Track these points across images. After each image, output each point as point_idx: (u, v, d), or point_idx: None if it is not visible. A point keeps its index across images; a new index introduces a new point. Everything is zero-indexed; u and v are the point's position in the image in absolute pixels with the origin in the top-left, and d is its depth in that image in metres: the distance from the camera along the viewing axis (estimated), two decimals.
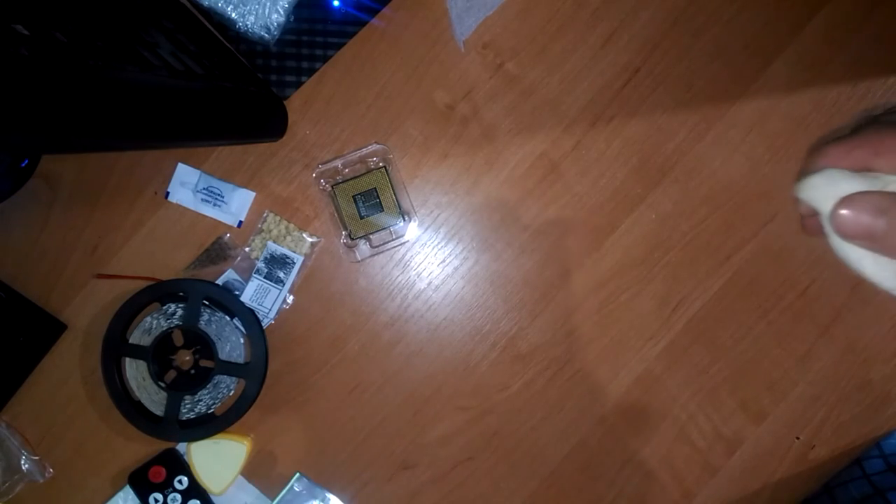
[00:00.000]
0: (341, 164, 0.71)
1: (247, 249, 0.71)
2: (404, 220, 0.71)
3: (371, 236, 0.71)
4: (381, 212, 0.71)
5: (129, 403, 0.68)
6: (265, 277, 0.70)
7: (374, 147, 0.71)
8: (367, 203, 0.70)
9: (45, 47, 0.39)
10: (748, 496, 0.75)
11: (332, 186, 0.70)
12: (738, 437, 0.75)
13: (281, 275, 0.71)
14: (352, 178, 0.70)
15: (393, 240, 0.72)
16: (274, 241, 0.71)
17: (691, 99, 0.73)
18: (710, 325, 0.74)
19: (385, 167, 0.70)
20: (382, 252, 0.72)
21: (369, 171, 0.71)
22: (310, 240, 0.71)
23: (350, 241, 0.71)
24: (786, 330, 0.74)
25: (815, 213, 0.33)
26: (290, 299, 0.72)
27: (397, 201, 0.71)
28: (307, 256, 0.71)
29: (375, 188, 0.70)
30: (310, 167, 0.71)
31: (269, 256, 0.70)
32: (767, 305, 0.74)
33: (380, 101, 0.72)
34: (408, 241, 0.72)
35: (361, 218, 0.70)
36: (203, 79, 0.55)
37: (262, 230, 0.71)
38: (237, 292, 0.70)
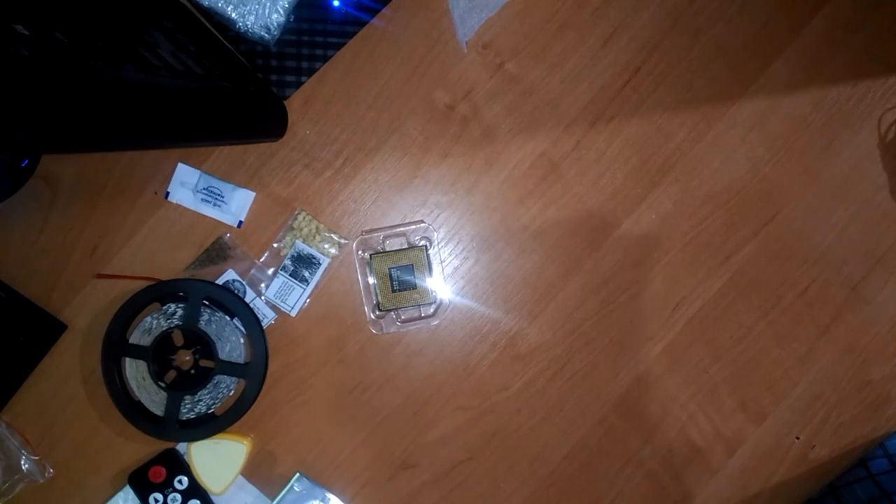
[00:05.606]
0: (383, 236, 0.71)
1: (275, 245, 0.71)
2: (435, 300, 0.71)
3: (400, 311, 0.72)
4: (413, 289, 0.70)
5: (129, 403, 0.68)
6: (290, 275, 0.70)
7: (420, 225, 0.71)
8: (401, 278, 0.70)
9: (45, 47, 0.39)
10: (748, 496, 0.75)
11: (371, 255, 0.70)
12: (738, 437, 0.75)
13: (306, 274, 0.70)
14: (391, 252, 0.70)
15: (421, 318, 0.72)
16: (303, 241, 0.70)
17: (691, 99, 0.73)
18: (710, 325, 0.74)
19: (426, 245, 0.71)
20: (408, 330, 0.72)
21: (411, 247, 0.71)
22: (340, 241, 0.71)
23: (378, 313, 0.71)
24: (786, 330, 0.74)
25: None
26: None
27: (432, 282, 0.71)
28: (334, 258, 0.71)
29: (413, 265, 0.70)
30: (310, 167, 0.71)
31: (296, 255, 0.70)
32: (767, 305, 0.74)
33: (380, 101, 0.72)
34: (437, 322, 0.72)
35: (393, 292, 0.70)
36: (203, 79, 0.55)
37: (294, 228, 0.71)
38: (237, 292, 0.70)
